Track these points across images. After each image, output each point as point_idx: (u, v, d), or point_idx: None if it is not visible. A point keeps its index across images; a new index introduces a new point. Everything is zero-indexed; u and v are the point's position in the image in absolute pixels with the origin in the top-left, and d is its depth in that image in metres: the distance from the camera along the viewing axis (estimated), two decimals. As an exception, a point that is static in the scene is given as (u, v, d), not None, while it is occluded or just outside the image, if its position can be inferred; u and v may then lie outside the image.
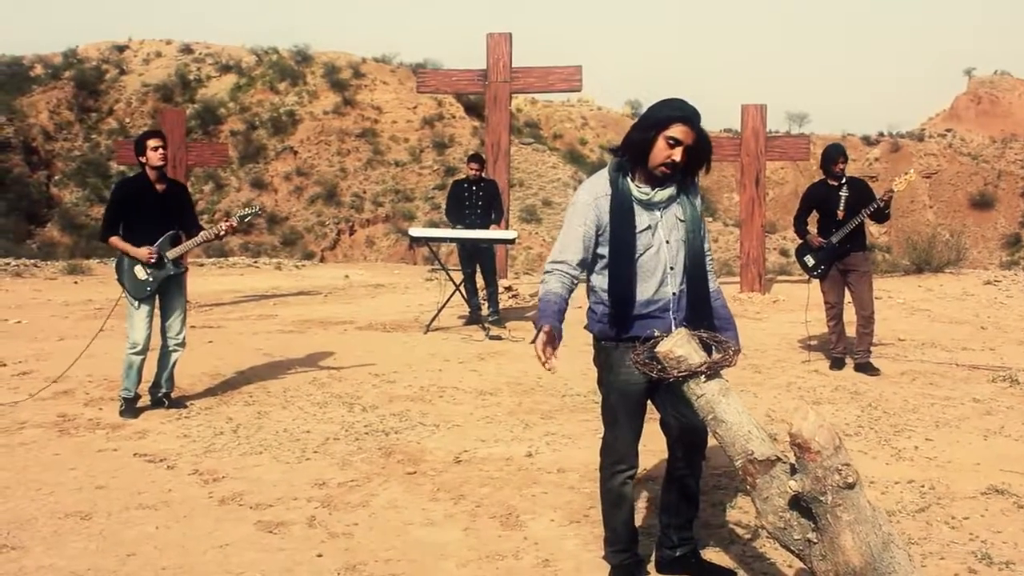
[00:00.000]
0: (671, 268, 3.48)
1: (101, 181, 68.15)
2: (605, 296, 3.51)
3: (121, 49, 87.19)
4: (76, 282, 16.57)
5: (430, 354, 8.66)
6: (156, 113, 76.94)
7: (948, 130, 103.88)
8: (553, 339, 3.32)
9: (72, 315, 12.02)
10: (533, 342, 3.37)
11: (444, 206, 10.83)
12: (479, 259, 10.31)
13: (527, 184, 70.22)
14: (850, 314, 8.25)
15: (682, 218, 3.51)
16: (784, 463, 2.82)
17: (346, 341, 9.33)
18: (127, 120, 77.09)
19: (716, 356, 2.98)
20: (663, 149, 3.39)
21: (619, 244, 3.43)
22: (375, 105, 76.20)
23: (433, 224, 64.02)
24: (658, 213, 3.48)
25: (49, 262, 22.22)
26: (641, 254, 3.45)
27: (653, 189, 3.46)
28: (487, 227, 10.20)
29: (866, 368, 7.96)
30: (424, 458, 5.49)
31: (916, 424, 6.27)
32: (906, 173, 8.16)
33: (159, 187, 6.38)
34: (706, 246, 3.61)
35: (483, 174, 10.52)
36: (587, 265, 3.55)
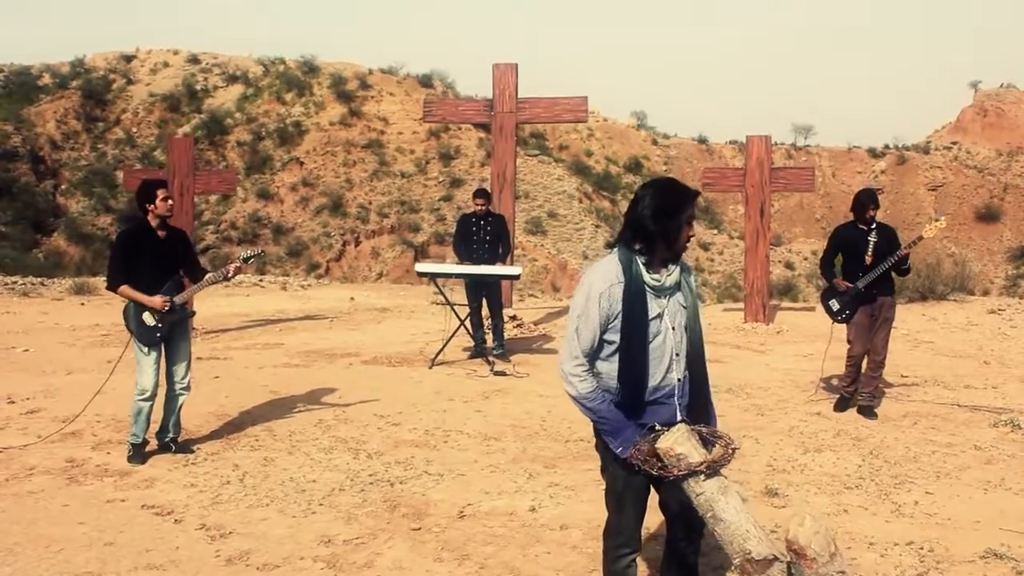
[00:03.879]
0: (676, 354, 3.53)
1: (108, 191, 68.46)
2: (612, 383, 3.53)
3: (128, 59, 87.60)
4: (83, 303, 16.66)
5: (435, 392, 8.71)
6: (163, 123, 77.42)
7: (954, 143, 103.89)
8: (648, 454, 3.38)
9: (79, 341, 12.11)
10: (627, 457, 3.41)
11: (452, 239, 10.91)
12: (485, 293, 10.38)
13: (532, 196, 70.30)
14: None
15: (684, 304, 3.57)
16: (781, 563, 2.88)
17: (351, 377, 9.38)
18: (134, 130, 77.44)
19: (715, 454, 3.03)
20: (686, 230, 3.51)
21: (634, 331, 3.46)
22: (381, 116, 76.42)
23: (438, 236, 64.22)
24: (665, 300, 3.53)
25: (55, 279, 22.34)
26: (651, 340, 3.50)
27: (662, 275, 3.52)
28: (494, 261, 10.26)
29: (866, 412, 8.01)
30: (429, 511, 5.54)
31: (917, 475, 6.32)
32: (936, 220, 8.19)
33: (160, 233, 6.46)
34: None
35: (489, 208, 10.58)
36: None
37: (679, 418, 3.48)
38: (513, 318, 12.77)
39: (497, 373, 9.48)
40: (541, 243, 64.57)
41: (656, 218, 3.47)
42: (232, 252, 63.25)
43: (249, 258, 6.80)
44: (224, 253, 62.57)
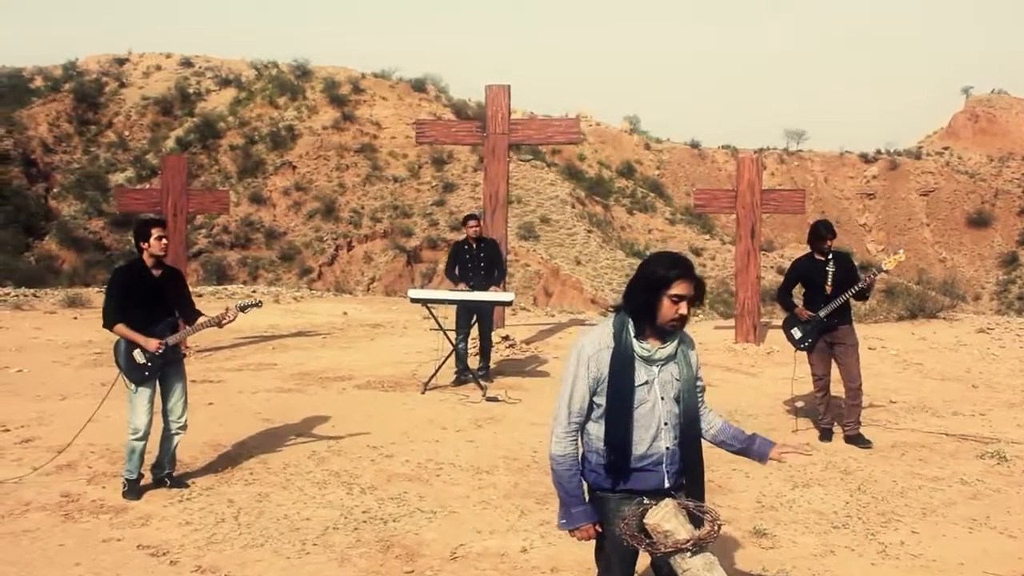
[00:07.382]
0: (665, 423, 3.59)
1: (100, 194, 68.44)
2: (600, 444, 3.60)
3: (121, 62, 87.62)
4: (75, 317, 16.69)
5: (428, 420, 8.76)
6: (156, 127, 77.40)
7: (945, 148, 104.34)
8: (595, 532, 3.58)
9: (73, 360, 12.16)
10: (571, 533, 3.61)
11: (445, 265, 10.95)
12: (478, 317, 10.45)
13: (525, 201, 70.41)
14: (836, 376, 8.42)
15: (678, 378, 3.62)
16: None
17: (344, 403, 9.43)
18: (126, 133, 77.39)
19: (702, 531, 3.10)
20: (670, 307, 3.52)
21: (618, 396, 3.54)
22: (374, 120, 76.50)
23: (431, 240, 64.26)
24: (656, 369, 3.59)
25: (48, 290, 22.37)
26: (637, 407, 3.57)
27: (655, 347, 3.59)
28: (488, 286, 10.31)
29: (856, 440, 8.11)
30: (422, 552, 5.60)
31: (904, 512, 6.40)
32: (895, 253, 8.32)
33: (155, 272, 6.49)
34: (701, 399, 3.73)
35: (481, 231, 10.65)
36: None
37: (667, 485, 3.55)
38: (506, 338, 12.83)
39: (489, 399, 9.53)
40: (534, 248, 64.68)
41: (639, 290, 3.55)
42: (225, 256, 63.28)
43: (246, 307, 6.84)
44: (216, 257, 62.60)
